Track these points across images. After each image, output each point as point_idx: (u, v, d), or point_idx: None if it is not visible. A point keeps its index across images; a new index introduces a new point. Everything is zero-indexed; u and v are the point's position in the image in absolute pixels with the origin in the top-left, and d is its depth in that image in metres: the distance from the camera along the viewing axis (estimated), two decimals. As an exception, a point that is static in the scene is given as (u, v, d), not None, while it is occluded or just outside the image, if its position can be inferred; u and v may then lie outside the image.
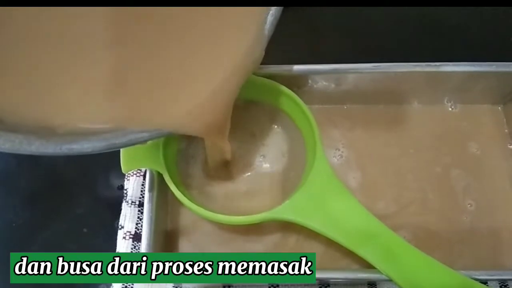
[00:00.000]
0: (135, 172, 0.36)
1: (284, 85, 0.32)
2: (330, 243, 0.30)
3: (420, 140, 0.36)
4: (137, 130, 0.22)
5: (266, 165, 0.34)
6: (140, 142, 0.23)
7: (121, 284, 0.33)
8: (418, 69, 0.33)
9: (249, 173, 0.33)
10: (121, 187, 0.36)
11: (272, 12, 0.25)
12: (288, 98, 0.32)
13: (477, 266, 0.32)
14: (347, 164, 0.35)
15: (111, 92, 0.23)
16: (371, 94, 0.36)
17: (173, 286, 0.33)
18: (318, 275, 0.29)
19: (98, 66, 0.23)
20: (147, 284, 0.32)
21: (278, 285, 0.33)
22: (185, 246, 0.33)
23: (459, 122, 0.37)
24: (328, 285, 0.33)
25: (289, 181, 0.33)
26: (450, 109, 0.37)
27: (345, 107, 0.37)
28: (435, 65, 0.33)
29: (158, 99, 0.23)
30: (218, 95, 0.24)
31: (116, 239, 0.34)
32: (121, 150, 0.30)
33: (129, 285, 0.33)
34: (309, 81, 0.34)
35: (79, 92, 0.22)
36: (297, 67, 0.33)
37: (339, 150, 0.36)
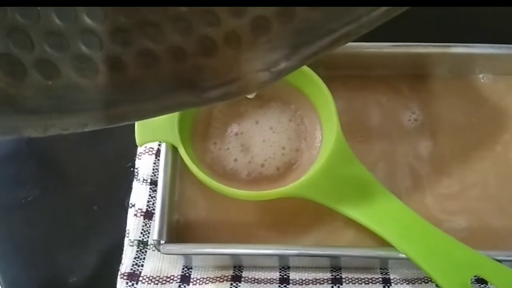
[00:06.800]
0: (147, 151, 0.35)
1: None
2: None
3: (481, 111, 0.35)
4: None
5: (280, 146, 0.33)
6: None
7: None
8: (439, 49, 0.33)
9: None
10: (132, 166, 0.36)
11: None
12: (304, 76, 0.31)
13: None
14: (421, 130, 0.34)
15: None
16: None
17: (183, 265, 0.32)
18: (328, 251, 0.29)
19: None
20: (158, 259, 0.32)
21: (289, 267, 0.32)
22: (197, 225, 0.32)
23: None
24: (340, 268, 0.32)
25: (304, 161, 0.32)
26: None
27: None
28: (456, 46, 0.33)
29: None
30: None
31: (125, 217, 0.34)
32: (136, 123, 0.30)
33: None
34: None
35: None
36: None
37: (414, 113, 0.35)
